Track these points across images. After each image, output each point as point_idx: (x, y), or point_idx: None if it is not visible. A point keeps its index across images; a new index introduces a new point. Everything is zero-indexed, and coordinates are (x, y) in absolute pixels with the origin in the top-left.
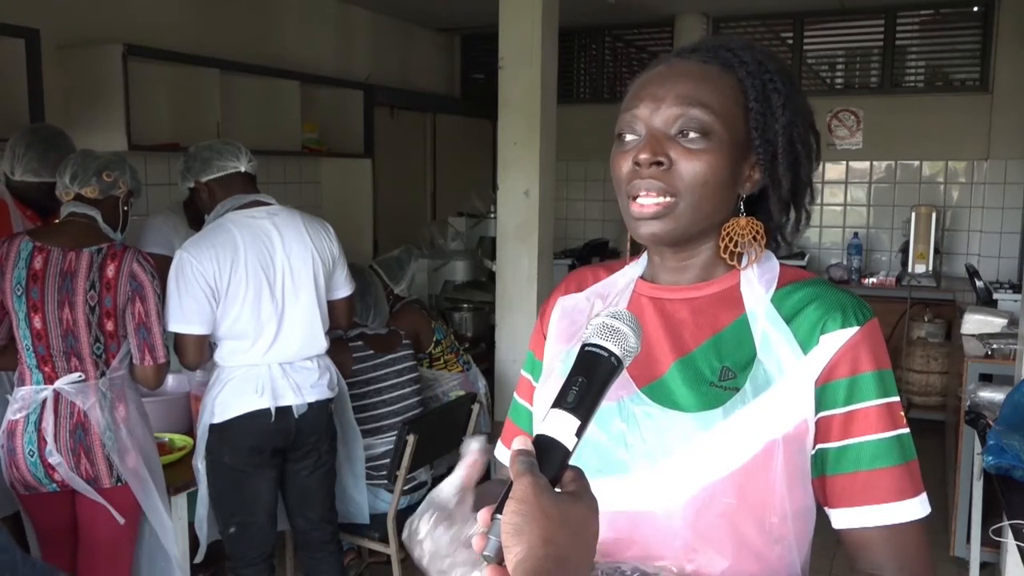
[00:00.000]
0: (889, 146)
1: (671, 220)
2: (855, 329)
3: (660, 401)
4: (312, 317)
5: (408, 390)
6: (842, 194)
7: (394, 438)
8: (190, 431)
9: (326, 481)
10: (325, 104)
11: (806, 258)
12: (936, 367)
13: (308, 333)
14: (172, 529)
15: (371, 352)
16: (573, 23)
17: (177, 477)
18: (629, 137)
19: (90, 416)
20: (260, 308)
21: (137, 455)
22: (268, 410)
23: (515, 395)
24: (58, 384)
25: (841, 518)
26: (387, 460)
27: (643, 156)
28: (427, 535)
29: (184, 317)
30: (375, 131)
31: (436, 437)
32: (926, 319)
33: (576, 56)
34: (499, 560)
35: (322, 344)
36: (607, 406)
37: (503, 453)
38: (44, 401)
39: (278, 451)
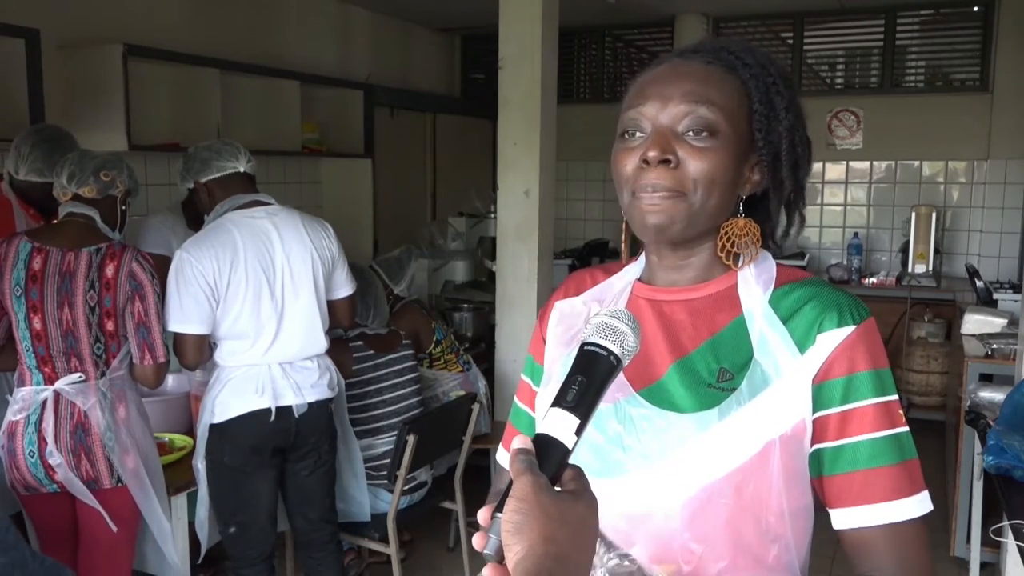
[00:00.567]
0: (889, 146)
1: (677, 217)
2: (851, 328)
3: (657, 403)
4: (312, 317)
5: (408, 390)
6: (842, 194)
7: (394, 438)
8: (190, 431)
9: (326, 481)
10: (325, 104)
11: (806, 258)
12: (936, 367)
13: (308, 333)
14: (170, 533)
15: (371, 352)
16: (573, 23)
17: (177, 477)
18: (635, 134)
19: (90, 416)
20: (260, 308)
21: (137, 456)
22: (268, 410)
23: (516, 399)
24: (58, 385)
25: (840, 518)
26: (387, 460)
27: (652, 154)
28: None
29: (184, 317)
30: (375, 131)
31: (436, 437)
32: (926, 319)
33: (576, 56)
34: (499, 558)
35: (322, 344)
36: (604, 408)
37: (504, 457)
38: (44, 402)
39: (278, 451)
